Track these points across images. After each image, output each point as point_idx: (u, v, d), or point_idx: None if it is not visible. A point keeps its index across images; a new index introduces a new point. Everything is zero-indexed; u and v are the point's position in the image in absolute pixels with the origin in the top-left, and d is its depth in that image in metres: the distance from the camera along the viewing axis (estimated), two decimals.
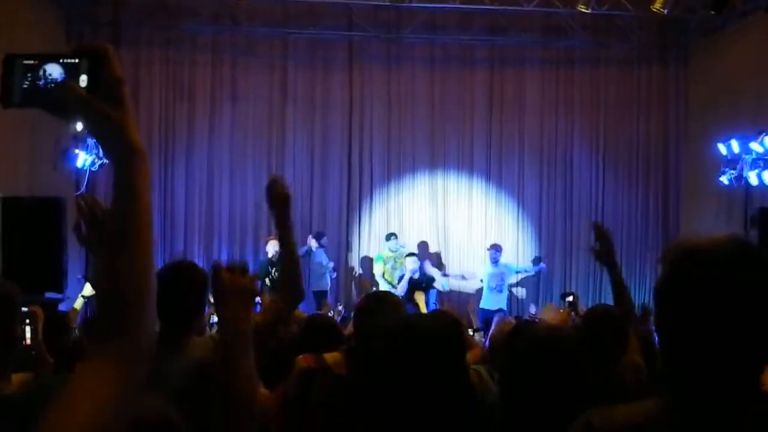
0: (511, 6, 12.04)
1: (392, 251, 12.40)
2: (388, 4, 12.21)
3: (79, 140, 10.90)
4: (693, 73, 13.25)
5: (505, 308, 12.06)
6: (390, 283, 11.98)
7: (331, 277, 12.47)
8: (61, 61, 1.21)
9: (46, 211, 9.56)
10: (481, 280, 12.47)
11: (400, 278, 11.77)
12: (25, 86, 1.22)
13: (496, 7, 12.05)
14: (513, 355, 2.48)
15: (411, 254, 12.01)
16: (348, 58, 13.41)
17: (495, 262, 12.32)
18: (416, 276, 11.58)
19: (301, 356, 3.38)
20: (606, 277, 12.78)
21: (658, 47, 13.42)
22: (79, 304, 5.85)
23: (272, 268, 11.28)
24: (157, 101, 12.92)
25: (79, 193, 11.20)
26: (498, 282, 12.15)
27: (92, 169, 11.22)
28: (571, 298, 7.20)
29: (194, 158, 13.07)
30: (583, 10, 11.52)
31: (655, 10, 11.26)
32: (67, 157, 10.84)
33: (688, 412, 1.43)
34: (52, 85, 1.20)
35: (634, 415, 1.51)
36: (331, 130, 13.41)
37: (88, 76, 1.20)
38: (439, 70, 13.52)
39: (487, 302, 12.03)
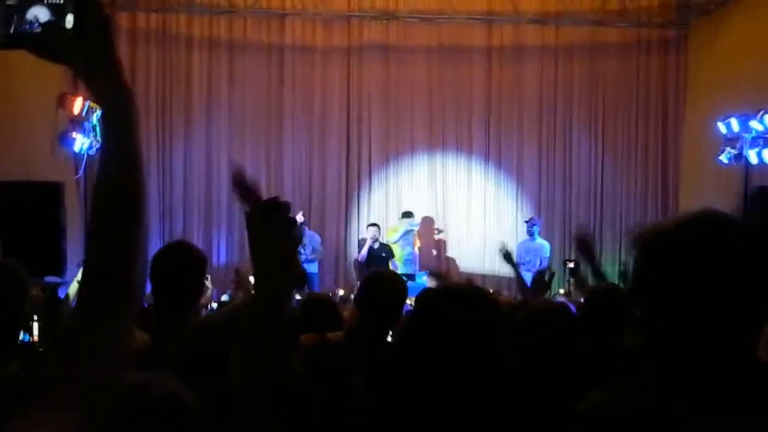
0: None
1: (411, 228, 12.52)
2: None
3: (76, 124, 10.83)
4: (693, 51, 13.18)
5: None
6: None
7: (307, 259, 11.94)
8: (45, 1, 1.16)
9: (43, 195, 9.53)
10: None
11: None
12: (9, 29, 1.17)
13: None
14: (515, 327, 2.49)
15: (372, 224, 12.17)
16: (346, 39, 13.33)
17: (531, 235, 12.28)
18: (376, 246, 11.83)
19: (304, 336, 3.40)
20: (605, 258, 12.85)
21: (657, 26, 13.34)
22: (73, 289, 5.77)
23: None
24: (153, 85, 12.87)
25: (77, 176, 11.17)
26: (531, 257, 11.89)
27: (90, 153, 11.16)
28: (572, 265, 7.21)
29: (192, 142, 13.03)
30: None
31: None
32: (65, 140, 10.78)
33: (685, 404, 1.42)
34: (39, 27, 1.15)
35: (636, 396, 1.49)
36: (329, 112, 13.36)
37: (74, 15, 1.15)
38: (437, 51, 13.45)
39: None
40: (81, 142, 10.90)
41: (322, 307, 4.27)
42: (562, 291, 9.61)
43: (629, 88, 13.57)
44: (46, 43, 1.14)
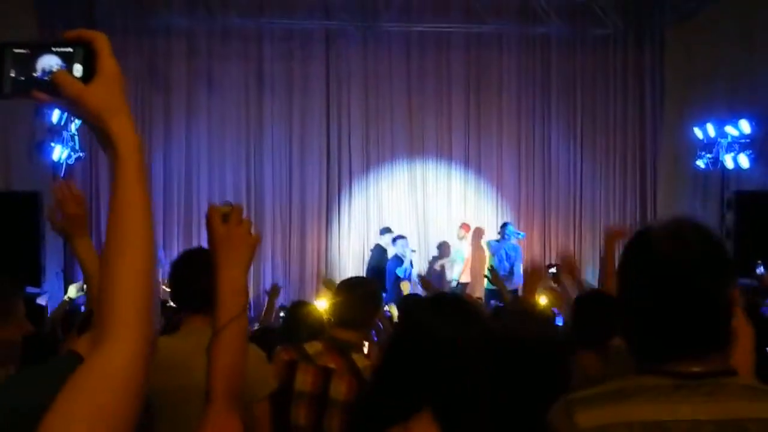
0: None
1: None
2: None
3: (54, 133, 10.79)
4: (669, 57, 13.29)
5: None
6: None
7: None
8: (54, 50, 1.17)
9: (22, 205, 9.50)
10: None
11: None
12: (18, 77, 1.17)
13: None
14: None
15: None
16: (324, 46, 13.32)
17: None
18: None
19: (281, 348, 3.40)
20: (584, 263, 12.81)
21: (634, 32, 13.44)
22: (73, 291, 5.71)
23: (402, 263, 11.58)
24: (133, 93, 12.80)
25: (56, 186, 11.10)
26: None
27: (69, 162, 11.11)
28: (554, 270, 7.23)
29: (172, 150, 12.98)
30: None
31: None
32: (43, 150, 10.72)
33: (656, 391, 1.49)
34: (48, 77, 1.15)
35: (611, 392, 1.55)
36: (308, 120, 13.35)
37: (83, 65, 1.16)
38: (416, 58, 13.49)
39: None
40: (59, 152, 10.84)
41: (308, 317, 4.29)
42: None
43: (607, 94, 13.66)
44: (53, 91, 1.15)
